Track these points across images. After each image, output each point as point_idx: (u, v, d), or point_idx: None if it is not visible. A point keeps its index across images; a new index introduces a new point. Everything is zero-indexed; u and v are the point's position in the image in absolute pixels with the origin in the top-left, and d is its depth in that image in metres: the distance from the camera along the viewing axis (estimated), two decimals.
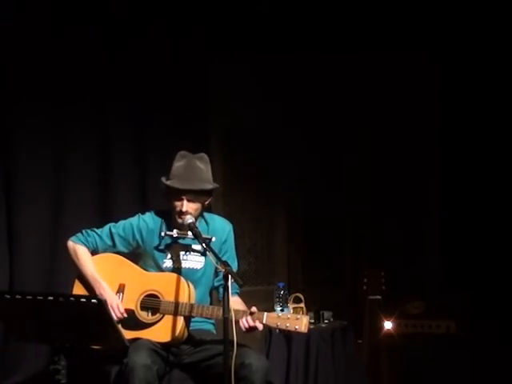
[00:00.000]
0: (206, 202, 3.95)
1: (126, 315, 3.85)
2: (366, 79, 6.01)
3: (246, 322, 3.69)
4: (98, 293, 3.87)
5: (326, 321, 5.31)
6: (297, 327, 3.65)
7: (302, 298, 5.24)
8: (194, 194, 3.87)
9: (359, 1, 5.78)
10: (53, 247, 5.01)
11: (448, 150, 5.97)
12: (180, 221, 3.88)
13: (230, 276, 3.52)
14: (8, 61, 4.93)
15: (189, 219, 3.83)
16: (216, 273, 3.99)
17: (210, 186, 3.93)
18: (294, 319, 3.66)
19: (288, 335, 5.11)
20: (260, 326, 3.69)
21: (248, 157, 6.05)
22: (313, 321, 5.24)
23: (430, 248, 6.07)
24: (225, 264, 3.56)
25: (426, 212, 6.10)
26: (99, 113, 5.28)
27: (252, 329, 3.71)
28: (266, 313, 3.71)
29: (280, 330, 3.73)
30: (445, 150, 5.99)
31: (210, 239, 3.89)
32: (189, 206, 3.87)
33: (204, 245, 3.72)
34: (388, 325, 5.21)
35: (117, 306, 3.84)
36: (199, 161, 3.93)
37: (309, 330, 3.70)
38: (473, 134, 5.81)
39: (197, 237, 3.79)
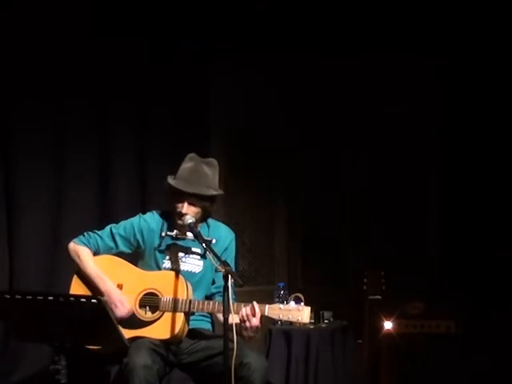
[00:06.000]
0: (208, 208, 3.94)
1: (130, 312, 3.84)
2: (365, 77, 6.02)
3: (245, 310, 3.67)
4: (103, 289, 3.86)
5: (326, 321, 5.31)
6: (299, 318, 3.69)
7: (302, 298, 5.23)
8: (195, 198, 3.87)
9: (361, 2, 5.78)
10: (53, 247, 5.02)
11: (448, 148, 5.97)
12: (180, 222, 3.88)
13: (229, 276, 3.52)
14: (8, 61, 4.94)
15: (189, 219, 3.83)
16: (213, 279, 4.02)
17: (212, 191, 3.91)
18: (296, 310, 3.69)
19: (288, 335, 5.12)
20: (257, 322, 3.67)
21: (248, 157, 6.06)
22: (313, 321, 5.24)
23: (430, 248, 6.07)
24: (225, 264, 3.56)
25: (425, 212, 6.10)
26: (99, 113, 5.29)
27: (250, 321, 3.68)
28: (267, 305, 3.72)
29: (282, 321, 3.74)
30: (445, 148, 6.00)
31: (210, 241, 3.89)
32: (189, 209, 3.86)
33: (204, 245, 3.72)
34: (388, 325, 5.20)
35: (121, 303, 3.83)
36: (206, 166, 3.92)
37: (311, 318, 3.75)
38: (474, 134, 5.82)
39: (197, 237, 3.78)
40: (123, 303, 3.84)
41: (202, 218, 3.97)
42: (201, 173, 3.90)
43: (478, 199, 5.78)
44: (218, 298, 3.93)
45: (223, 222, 4.25)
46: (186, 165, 3.92)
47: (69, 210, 5.13)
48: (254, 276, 6.12)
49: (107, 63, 5.25)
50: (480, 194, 5.77)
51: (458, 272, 5.77)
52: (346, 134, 6.16)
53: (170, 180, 3.91)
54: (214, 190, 3.93)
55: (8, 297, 3.40)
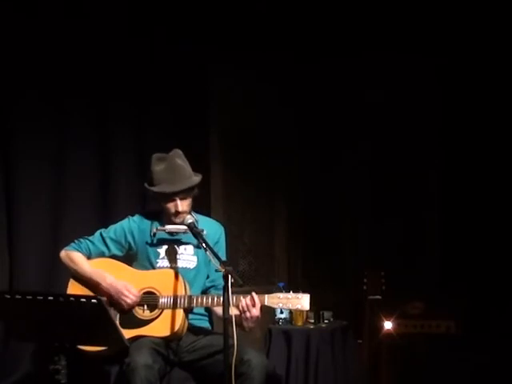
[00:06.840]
0: (196, 194, 3.99)
1: (138, 300, 3.85)
2: (365, 77, 6.01)
3: (245, 301, 3.70)
4: (104, 284, 3.87)
5: (325, 321, 5.32)
6: (299, 306, 3.73)
7: None
8: (186, 192, 3.91)
9: (361, 2, 5.77)
10: (53, 247, 5.00)
11: (448, 148, 5.97)
12: (179, 220, 3.90)
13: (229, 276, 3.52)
14: (8, 61, 4.94)
15: (189, 219, 3.85)
16: (207, 274, 4.02)
17: (196, 178, 3.96)
18: (296, 299, 3.73)
19: (288, 335, 5.12)
20: (257, 312, 3.69)
21: (248, 157, 6.05)
22: (313, 321, 5.25)
23: (430, 248, 6.07)
24: (224, 264, 3.56)
25: (425, 212, 6.10)
26: (99, 113, 5.28)
27: (250, 311, 3.70)
28: (267, 294, 3.75)
29: (282, 309, 3.75)
30: (445, 148, 6.00)
31: (202, 231, 3.88)
32: (183, 205, 3.90)
33: (204, 244, 3.73)
34: (388, 325, 5.21)
35: (128, 291, 3.84)
36: (178, 158, 3.95)
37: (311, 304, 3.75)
38: (474, 134, 5.82)
39: (197, 237, 3.80)
40: (130, 290, 3.85)
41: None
42: (179, 167, 3.93)
43: (478, 199, 5.78)
44: (213, 292, 3.94)
45: (212, 218, 4.29)
46: (160, 166, 3.93)
47: (69, 210, 5.13)
48: (253, 276, 6.12)
49: (107, 63, 5.24)
50: (480, 194, 5.77)
51: (457, 272, 5.76)
52: (346, 133, 6.16)
53: (149, 186, 3.92)
54: (196, 177, 3.97)
55: (8, 297, 3.40)
